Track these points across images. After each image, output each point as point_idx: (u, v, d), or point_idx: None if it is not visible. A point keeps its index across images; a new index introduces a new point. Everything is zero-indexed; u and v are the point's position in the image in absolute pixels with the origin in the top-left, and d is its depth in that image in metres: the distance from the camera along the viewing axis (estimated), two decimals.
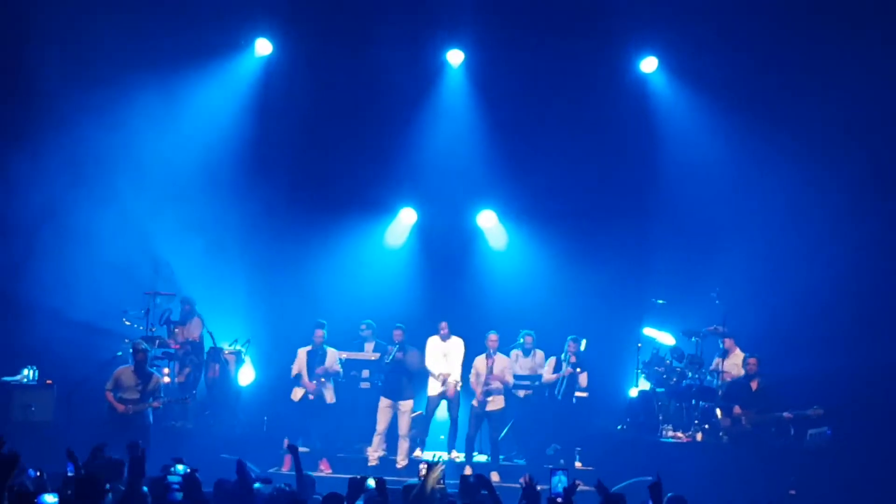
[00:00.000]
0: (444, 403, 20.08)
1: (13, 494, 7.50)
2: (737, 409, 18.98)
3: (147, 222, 21.43)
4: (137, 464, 11.03)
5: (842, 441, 18.88)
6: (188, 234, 21.56)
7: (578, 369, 20.04)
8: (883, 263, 20.54)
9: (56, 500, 9.27)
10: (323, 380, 19.85)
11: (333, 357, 20.06)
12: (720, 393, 19.92)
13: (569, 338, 20.22)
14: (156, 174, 21.45)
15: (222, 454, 18.54)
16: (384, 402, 19.83)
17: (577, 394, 20.28)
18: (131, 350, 18.53)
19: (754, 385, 19.02)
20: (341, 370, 20.18)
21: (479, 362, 19.83)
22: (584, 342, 20.14)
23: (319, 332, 20.00)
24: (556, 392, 20.09)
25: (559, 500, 9.12)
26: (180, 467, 9.74)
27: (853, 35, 20.30)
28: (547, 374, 20.27)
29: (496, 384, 19.63)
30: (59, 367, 19.84)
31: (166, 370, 20.30)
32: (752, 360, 19.15)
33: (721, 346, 20.58)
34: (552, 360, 20.25)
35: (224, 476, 11.16)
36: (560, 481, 9.41)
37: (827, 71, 20.69)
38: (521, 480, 10.23)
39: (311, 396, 19.84)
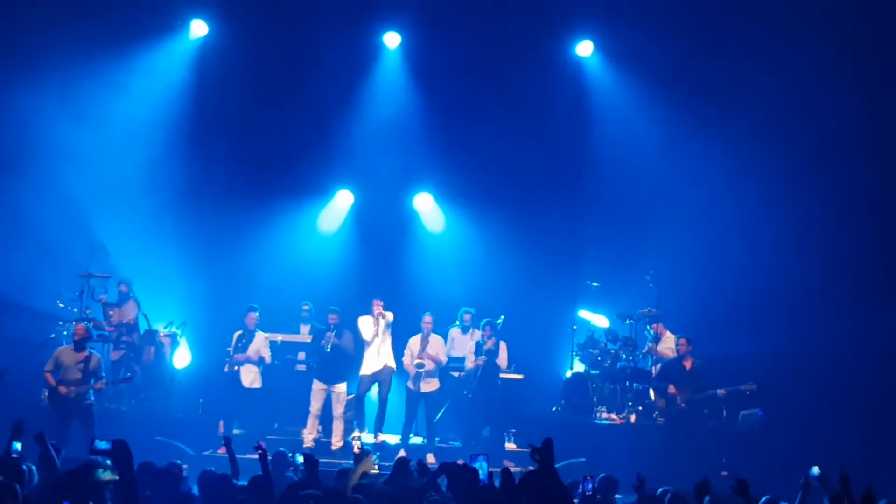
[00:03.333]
0: (375, 386, 20.02)
1: None
2: (671, 389, 19.10)
3: (82, 204, 21.23)
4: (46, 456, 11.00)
5: (773, 422, 19.11)
6: (123, 216, 21.42)
7: (491, 341, 19.84)
8: (814, 244, 20.71)
9: None
10: (239, 367, 19.85)
11: (259, 341, 20.03)
12: (654, 374, 20.08)
13: (482, 322, 19.94)
14: (92, 156, 21.25)
15: (157, 437, 18.51)
16: (318, 385, 19.74)
17: (506, 375, 20.28)
18: (73, 329, 18.35)
19: (688, 364, 19.15)
20: (268, 356, 20.17)
21: (414, 343, 19.81)
22: (499, 319, 20.06)
23: (253, 316, 20.00)
24: (469, 385, 19.87)
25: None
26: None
27: (785, 16, 20.52)
28: (469, 361, 20.17)
29: (428, 363, 19.64)
30: None
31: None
32: (682, 341, 19.30)
33: (650, 331, 20.74)
34: (471, 345, 20.18)
35: (149, 459, 11.12)
36: (481, 467, 9.49)
37: (759, 52, 20.87)
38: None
39: (226, 369, 19.86)
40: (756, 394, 19.04)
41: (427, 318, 19.88)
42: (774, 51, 20.75)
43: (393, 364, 19.81)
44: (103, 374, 18.34)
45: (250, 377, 19.89)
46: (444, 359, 19.93)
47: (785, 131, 21.03)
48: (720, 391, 19.00)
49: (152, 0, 21.85)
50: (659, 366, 20.11)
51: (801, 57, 20.55)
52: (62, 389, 17.59)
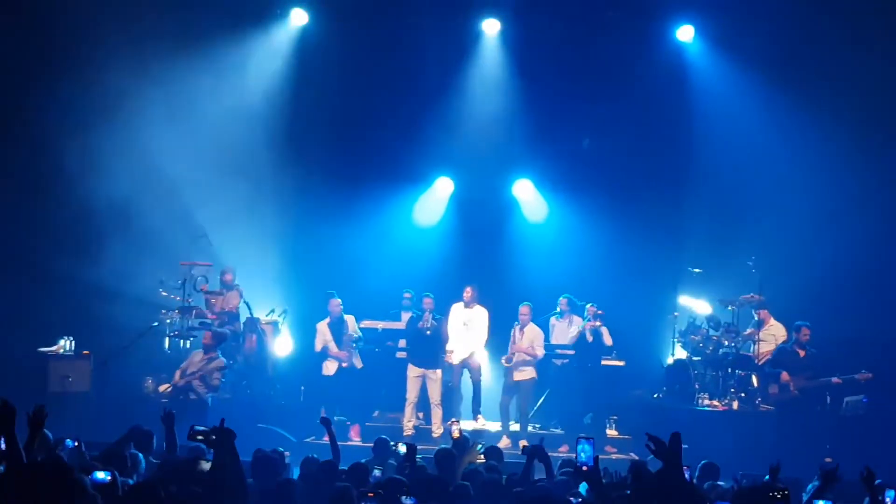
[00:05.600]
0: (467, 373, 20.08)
1: (52, 467, 7.47)
2: (784, 376, 18.96)
3: (183, 193, 21.42)
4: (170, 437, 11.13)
5: (878, 409, 18.85)
6: (224, 205, 21.55)
7: (598, 322, 19.88)
8: None
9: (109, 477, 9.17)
10: (353, 346, 19.95)
11: (352, 323, 20.21)
12: (766, 360, 19.90)
13: (586, 304, 20.19)
14: (193, 146, 21.39)
15: (259, 424, 18.67)
16: (413, 371, 19.80)
17: (606, 361, 20.25)
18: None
19: (801, 352, 19.02)
20: (360, 334, 20.31)
21: (514, 333, 19.84)
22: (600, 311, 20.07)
23: (336, 302, 20.12)
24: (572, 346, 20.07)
25: (585, 468, 9.06)
26: None
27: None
28: (571, 339, 20.20)
29: (521, 356, 19.62)
30: (95, 336, 19.91)
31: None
32: (805, 329, 19.17)
33: (755, 317, 20.55)
34: (575, 328, 20.22)
35: (252, 446, 11.21)
36: (584, 450, 9.38)
37: (866, 39, 20.52)
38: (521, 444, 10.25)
39: (344, 364, 19.97)
40: (870, 382, 18.84)
41: (523, 309, 19.82)
42: (884, 34, 20.40)
43: (481, 351, 19.82)
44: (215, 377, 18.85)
45: (357, 361, 20.25)
46: (539, 352, 19.78)
47: (889, 117, 20.68)
48: (835, 379, 18.82)
49: None
50: (761, 350, 19.92)
51: None
52: (161, 388, 18.33)
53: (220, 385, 19.00)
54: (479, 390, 19.98)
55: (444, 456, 11.72)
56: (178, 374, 18.86)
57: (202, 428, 8.66)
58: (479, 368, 19.96)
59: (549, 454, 11.01)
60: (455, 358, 19.86)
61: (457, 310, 19.98)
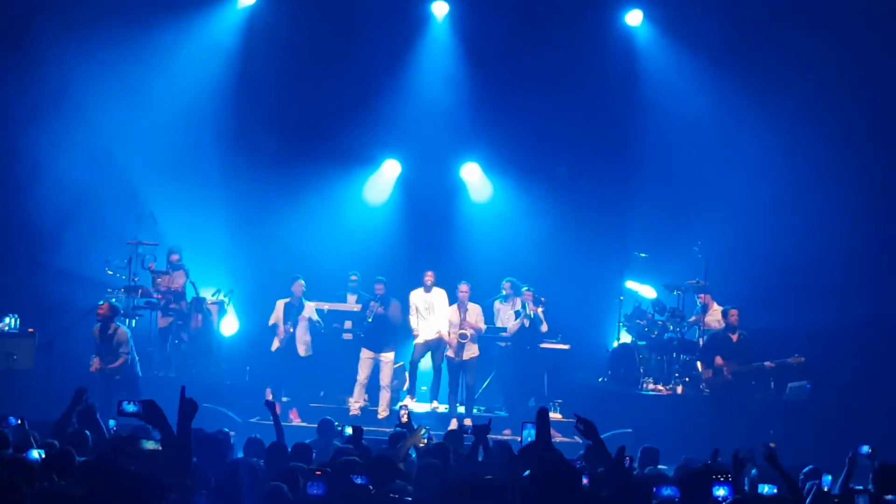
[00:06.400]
0: (428, 354, 20.15)
1: None
2: (718, 360, 19.10)
3: (130, 172, 21.32)
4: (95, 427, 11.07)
5: (821, 394, 19.03)
6: (171, 184, 21.47)
7: (536, 310, 19.94)
8: (864, 216, 20.59)
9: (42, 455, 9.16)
10: (292, 330, 19.92)
11: (310, 310, 20.18)
12: (700, 345, 20.03)
13: (522, 288, 20.16)
14: (140, 124, 21.36)
15: (205, 404, 18.58)
16: (365, 354, 19.91)
17: (550, 345, 20.33)
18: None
19: (734, 336, 19.13)
20: (319, 319, 20.28)
21: (452, 313, 19.95)
22: (543, 300, 20.12)
23: (300, 284, 20.11)
24: (522, 326, 20.04)
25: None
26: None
27: None
28: (511, 328, 20.27)
29: (469, 331, 19.72)
30: (41, 315, 19.80)
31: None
32: (733, 312, 19.25)
33: (698, 301, 20.67)
34: (512, 313, 20.33)
35: (197, 425, 11.17)
36: (530, 434, 9.42)
37: (813, 23, 20.63)
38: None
39: (279, 343, 19.95)
40: (804, 366, 18.99)
41: (462, 287, 19.98)
42: (829, 20, 20.53)
43: (446, 334, 19.89)
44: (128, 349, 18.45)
45: (301, 348, 20.04)
46: (482, 326, 20.07)
47: (838, 101, 20.79)
48: (768, 363, 18.98)
49: None
50: (706, 337, 20.04)
51: (855, 28, 20.36)
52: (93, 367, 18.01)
53: (131, 359, 18.65)
54: (439, 375, 20.08)
55: (397, 438, 11.78)
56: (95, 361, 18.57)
57: (131, 406, 8.58)
58: (444, 352, 20.01)
59: (495, 436, 11.08)
60: (420, 337, 20.01)
61: (417, 295, 20.11)
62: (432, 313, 20.06)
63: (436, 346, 20.04)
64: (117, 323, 18.32)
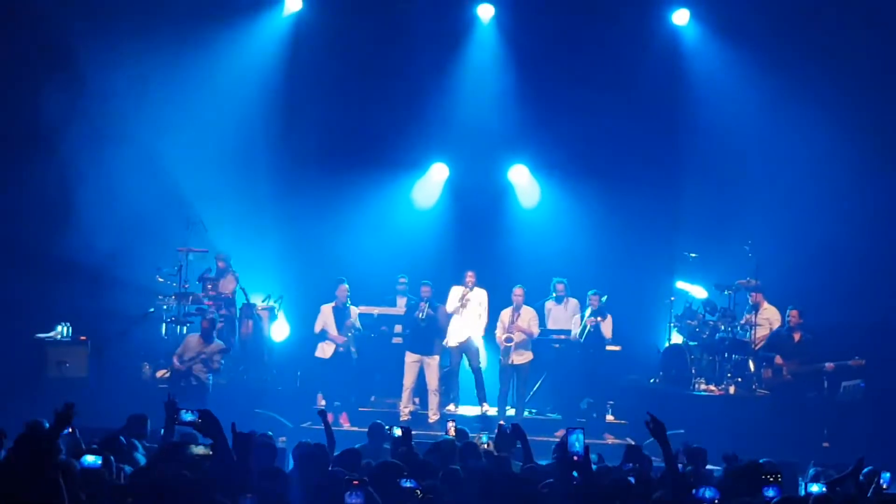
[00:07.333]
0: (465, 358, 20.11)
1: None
2: (778, 360, 19.03)
3: (179, 178, 21.41)
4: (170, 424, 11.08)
5: (875, 394, 18.88)
6: (221, 192, 21.59)
7: (599, 318, 19.89)
8: None
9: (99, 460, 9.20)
10: (350, 333, 19.94)
11: (355, 313, 20.20)
12: (762, 344, 19.91)
13: (589, 293, 20.12)
14: (188, 133, 21.42)
15: (256, 409, 18.69)
16: (411, 357, 19.81)
17: (608, 347, 20.24)
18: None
19: (797, 336, 19.09)
20: (361, 327, 20.30)
21: (505, 315, 19.90)
22: (604, 297, 20.03)
23: (344, 288, 20.10)
24: (579, 338, 20.00)
25: (576, 458, 9.07)
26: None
27: None
28: (575, 331, 20.22)
29: (518, 335, 19.65)
30: (93, 323, 19.92)
31: None
32: (793, 312, 19.24)
33: (749, 300, 20.54)
34: (577, 317, 20.27)
35: (259, 431, 11.21)
36: (577, 440, 9.37)
37: (862, 19, 20.52)
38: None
39: (341, 349, 19.94)
40: (862, 368, 18.85)
41: (517, 291, 19.94)
42: (875, 18, 20.40)
43: (478, 335, 19.83)
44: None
45: (352, 349, 20.11)
46: (535, 331, 19.95)
47: (888, 96, 20.67)
48: (829, 365, 18.85)
49: None
50: (757, 335, 19.94)
51: None
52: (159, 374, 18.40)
53: (220, 368, 19.00)
54: (481, 377, 19.99)
55: (443, 447, 11.74)
56: (175, 359, 18.83)
57: (189, 416, 8.62)
58: (478, 353, 19.94)
59: (546, 439, 11.05)
60: (452, 340, 19.86)
61: (456, 291, 19.96)
62: (468, 312, 19.87)
63: (467, 347, 19.94)
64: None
